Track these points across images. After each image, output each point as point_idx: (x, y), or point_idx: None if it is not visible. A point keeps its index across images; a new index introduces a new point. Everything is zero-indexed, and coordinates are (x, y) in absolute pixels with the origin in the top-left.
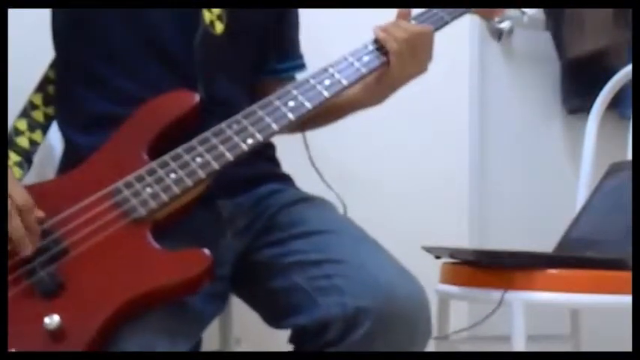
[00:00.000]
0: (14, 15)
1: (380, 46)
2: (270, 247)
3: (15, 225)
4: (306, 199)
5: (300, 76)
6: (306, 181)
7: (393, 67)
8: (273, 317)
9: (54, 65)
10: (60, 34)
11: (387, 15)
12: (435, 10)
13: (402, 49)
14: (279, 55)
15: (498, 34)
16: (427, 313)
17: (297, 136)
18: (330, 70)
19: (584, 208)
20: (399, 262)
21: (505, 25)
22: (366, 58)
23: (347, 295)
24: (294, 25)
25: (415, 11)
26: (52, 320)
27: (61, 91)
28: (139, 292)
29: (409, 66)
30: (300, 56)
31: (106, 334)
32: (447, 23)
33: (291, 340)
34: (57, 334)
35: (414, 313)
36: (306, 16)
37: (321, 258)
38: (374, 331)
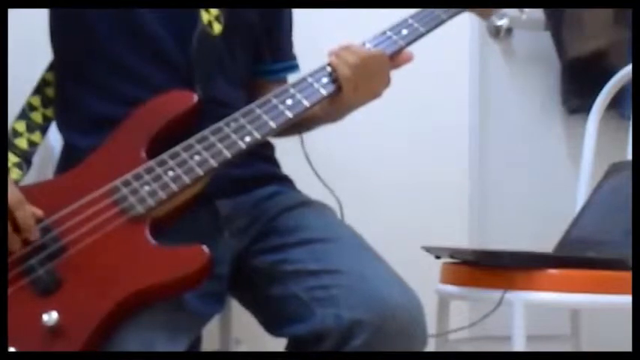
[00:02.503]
0: (12, 17)
1: (334, 70)
2: (269, 254)
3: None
4: (306, 204)
5: (294, 77)
6: (304, 181)
7: (344, 93)
8: (271, 324)
9: (52, 67)
10: (57, 38)
11: (382, 14)
12: (409, 22)
13: (353, 76)
14: (274, 56)
15: (496, 32)
16: (423, 326)
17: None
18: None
19: (584, 208)
20: (397, 273)
21: (503, 22)
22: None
23: (343, 307)
24: (288, 26)
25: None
26: (51, 317)
27: (59, 93)
28: (138, 289)
29: (361, 91)
30: (293, 57)
31: (104, 330)
32: (421, 35)
33: (288, 349)
34: (55, 331)
35: (411, 326)
36: (301, 17)
37: (320, 268)
38: (369, 344)
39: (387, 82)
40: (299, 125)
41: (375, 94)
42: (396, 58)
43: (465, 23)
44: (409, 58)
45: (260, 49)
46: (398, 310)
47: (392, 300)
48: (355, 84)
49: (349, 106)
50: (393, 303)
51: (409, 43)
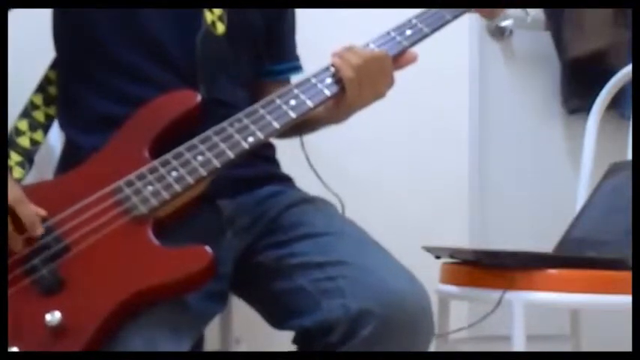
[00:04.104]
0: (14, 15)
1: (337, 71)
2: (272, 249)
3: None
4: (308, 200)
5: (297, 78)
6: (304, 182)
7: (348, 94)
8: (276, 318)
9: (54, 66)
10: (61, 38)
11: (386, 15)
12: (413, 22)
13: (356, 77)
14: (276, 57)
15: (501, 33)
16: (430, 318)
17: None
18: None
19: (584, 208)
20: (402, 264)
21: (507, 23)
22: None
23: (350, 297)
24: (291, 27)
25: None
26: (54, 317)
27: (62, 91)
28: (140, 289)
29: (364, 92)
30: (296, 58)
31: (107, 330)
32: (425, 35)
33: (295, 341)
34: (58, 330)
35: (419, 318)
36: (303, 17)
37: (325, 260)
38: (377, 334)
39: (390, 83)
40: (303, 126)
41: (378, 94)
42: (399, 59)
43: (465, 23)
44: (413, 59)
45: (263, 50)
46: (405, 299)
47: (399, 289)
48: (359, 85)
49: (353, 107)
50: (401, 292)
51: (413, 44)
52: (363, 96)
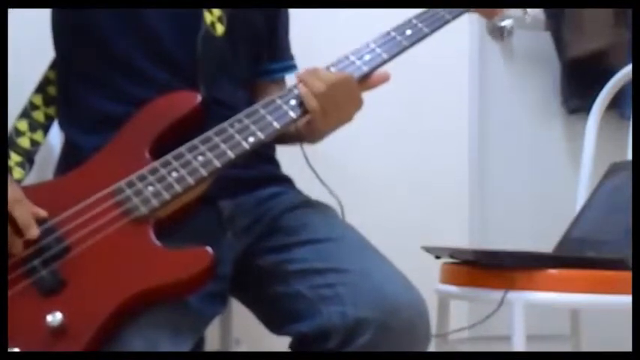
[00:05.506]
0: (14, 15)
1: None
2: (273, 253)
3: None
4: (309, 204)
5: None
6: (304, 182)
7: (313, 122)
8: (274, 323)
9: (54, 66)
10: (60, 38)
11: (384, 15)
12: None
13: (320, 107)
14: (272, 56)
15: (500, 33)
16: (427, 323)
17: None
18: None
19: (584, 208)
20: (400, 272)
21: (507, 23)
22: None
23: (348, 305)
24: (285, 25)
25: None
26: (55, 318)
27: (62, 91)
28: (141, 290)
29: (330, 119)
30: (291, 57)
31: (108, 331)
32: (425, 35)
33: (292, 346)
34: (59, 331)
35: (415, 323)
36: (302, 17)
37: (325, 267)
38: (374, 342)
39: (357, 106)
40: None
41: (344, 119)
42: (368, 80)
43: (465, 23)
44: (385, 79)
45: (261, 50)
46: (402, 307)
47: (396, 298)
48: (323, 113)
49: (322, 130)
50: (398, 301)
51: (413, 44)
52: (329, 123)
